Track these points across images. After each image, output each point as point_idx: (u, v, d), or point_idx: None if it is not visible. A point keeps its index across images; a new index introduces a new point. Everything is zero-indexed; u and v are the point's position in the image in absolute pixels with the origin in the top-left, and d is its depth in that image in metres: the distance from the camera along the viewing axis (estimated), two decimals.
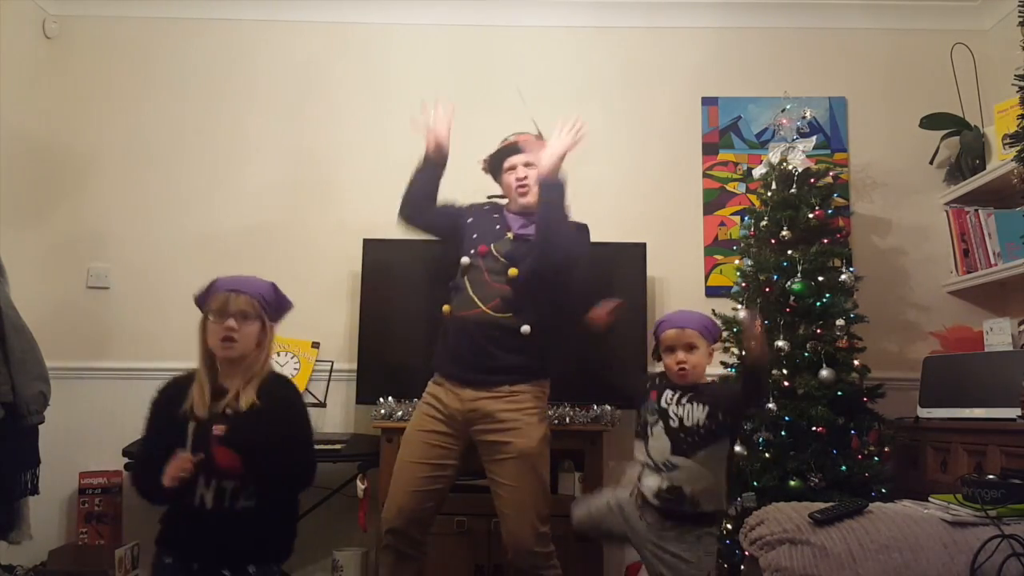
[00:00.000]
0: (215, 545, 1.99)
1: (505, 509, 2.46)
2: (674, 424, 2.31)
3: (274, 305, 2.15)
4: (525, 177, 2.64)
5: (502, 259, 2.56)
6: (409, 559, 2.51)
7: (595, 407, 3.08)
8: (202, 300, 2.15)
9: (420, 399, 2.61)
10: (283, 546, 2.13)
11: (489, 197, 2.85)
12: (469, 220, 2.69)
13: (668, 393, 2.36)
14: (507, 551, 2.48)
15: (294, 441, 2.08)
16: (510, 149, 2.70)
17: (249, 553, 2.02)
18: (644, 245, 3.42)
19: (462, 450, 2.54)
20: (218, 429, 1.99)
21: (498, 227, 2.66)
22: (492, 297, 2.51)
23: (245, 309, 2.05)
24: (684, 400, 2.33)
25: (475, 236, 2.64)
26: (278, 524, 2.08)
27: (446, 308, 2.59)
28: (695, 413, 2.30)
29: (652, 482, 2.31)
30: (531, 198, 2.61)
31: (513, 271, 2.52)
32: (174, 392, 2.14)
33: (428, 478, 2.48)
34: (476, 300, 2.52)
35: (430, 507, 2.51)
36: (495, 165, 2.75)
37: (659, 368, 2.47)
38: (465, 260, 2.60)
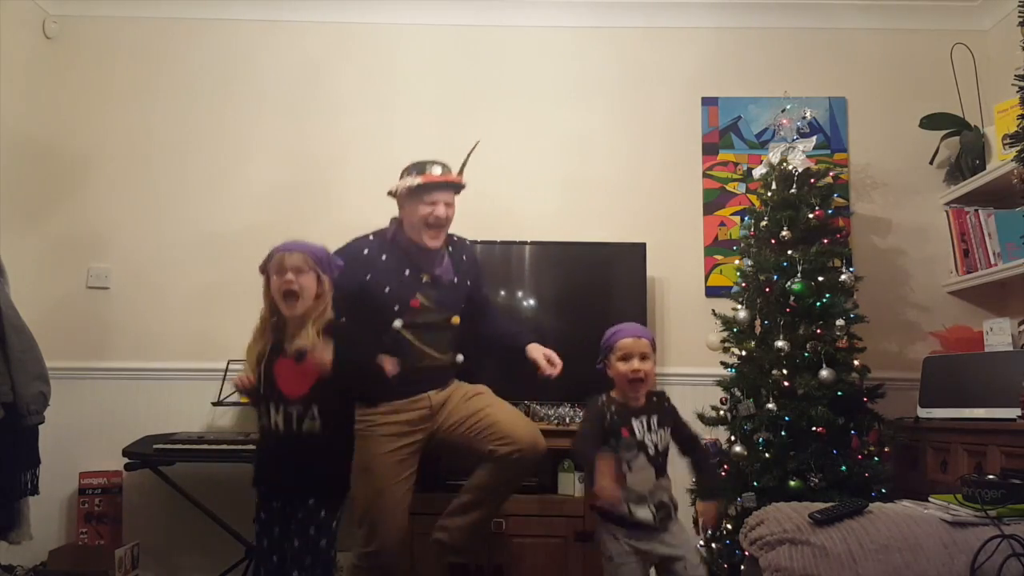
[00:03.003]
0: (286, 470, 2.21)
1: (500, 416, 2.59)
2: (652, 452, 2.39)
3: (326, 261, 2.33)
4: (444, 217, 2.59)
5: (435, 308, 2.61)
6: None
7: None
8: (264, 268, 2.36)
9: (360, 429, 2.49)
10: (343, 475, 2.31)
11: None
12: (368, 277, 2.54)
13: (637, 424, 2.40)
14: (515, 451, 2.54)
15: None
16: (435, 185, 2.58)
17: (314, 480, 2.20)
18: (644, 245, 3.42)
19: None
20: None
21: (408, 271, 2.58)
22: (440, 345, 2.63)
23: (299, 264, 2.25)
24: (655, 426, 2.41)
25: (388, 290, 2.55)
26: (338, 449, 2.28)
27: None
28: (665, 437, 2.42)
29: (643, 513, 2.35)
30: (439, 242, 2.61)
31: (456, 320, 2.66)
32: None
33: (407, 491, 2.58)
34: (427, 350, 2.60)
35: None
36: (412, 192, 2.58)
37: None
38: (398, 323, 2.54)
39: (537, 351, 2.70)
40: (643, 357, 2.43)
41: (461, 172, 2.70)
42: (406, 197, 2.61)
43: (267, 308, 2.34)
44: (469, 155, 2.73)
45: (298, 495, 2.20)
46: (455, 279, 2.68)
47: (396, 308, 2.55)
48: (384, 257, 2.59)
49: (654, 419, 2.42)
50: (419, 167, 2.62)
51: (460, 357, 2.69)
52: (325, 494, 2.22)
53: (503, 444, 2.54)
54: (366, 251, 2.60)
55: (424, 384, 2.62)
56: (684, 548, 2.38)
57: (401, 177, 2.66)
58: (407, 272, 2.60)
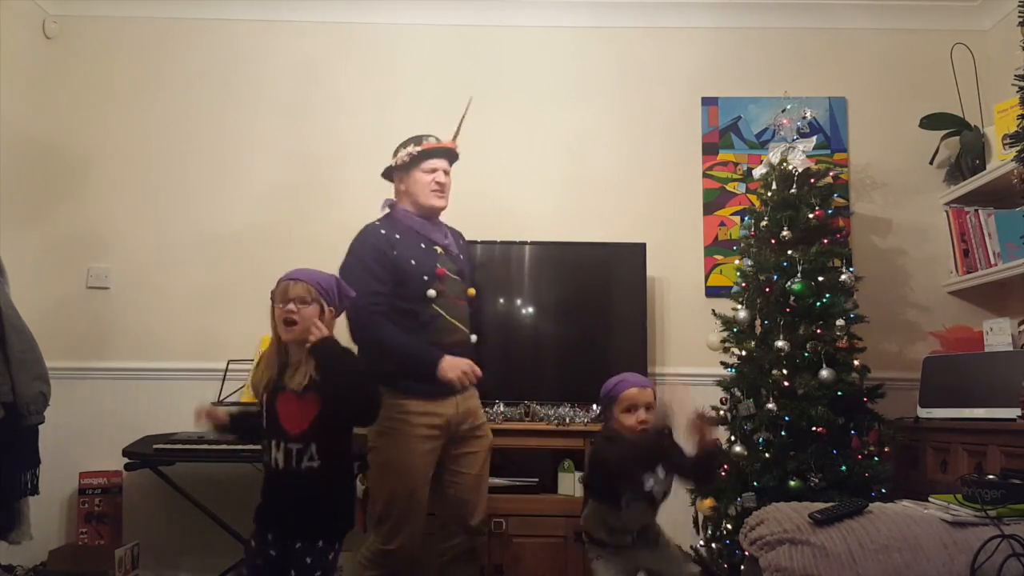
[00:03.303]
0: (287, 508, 2.19)
1: (469, 492, 2.63)
2: (656, 499, 2.39)
3: (333, 293, 2.32)
4: (444, 183, 2.69)
5: (457, 278, 2.68)
6: None
7: (595, 407, 3.08)
8: (273, 295, 2.35)
9: (395, 426, 2.52)
10: (346, 514, 2.28)
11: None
12: (395, 253, 2.58)
13: (650, 475, 2.34)
14: (463, 529, 2.60)
15: (346, 381, 2.25)
16: (435, 151, 2.70)
17: (315, 519, 2.18)
18: (644, 245, 3.42)
19: None
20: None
21: (423, 244, 2.65)
22: (463, 316, 2.67)
23: (302, 294, 2.25)
24: (661, 475, 2.35)
25: (414, 263, 2.59)
26: (339, 488, 2.26)
27: None
28: (669, 482, 2.39)
29: (620, 539, 2.39)
30: (445, 201, 2.71)
31: (472, 291, 2.74)
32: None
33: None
34: (456, 323, 2.63)
35: None
36: (412, 161, 2.69)
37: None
38: (432, 292, 2.57)
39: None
40: (648, 408, 2.39)
41: (455, 137, 2.78)
42: (405, 168, 2.70)
43: (274, 335, 2.32)
44: (463, 117, 2.79)
45: (298, 533, 2.17)
46: (459, 254, 2.75)
47: (425, 278, 2.58)
48: (398, 235, 2.62)
49: (660, 469, 2.35)
50: (416, 139, 2.73)
51: (474, 337, 2.71)
52: (326, 533, 2.18)
53: (469, 524, 2.61)
54: (383, 231, 2.63)
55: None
56: (670, 564, 2.42)
57: (395, 154, 2.73)
58: (422, 245, 2.65)
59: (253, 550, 2.22)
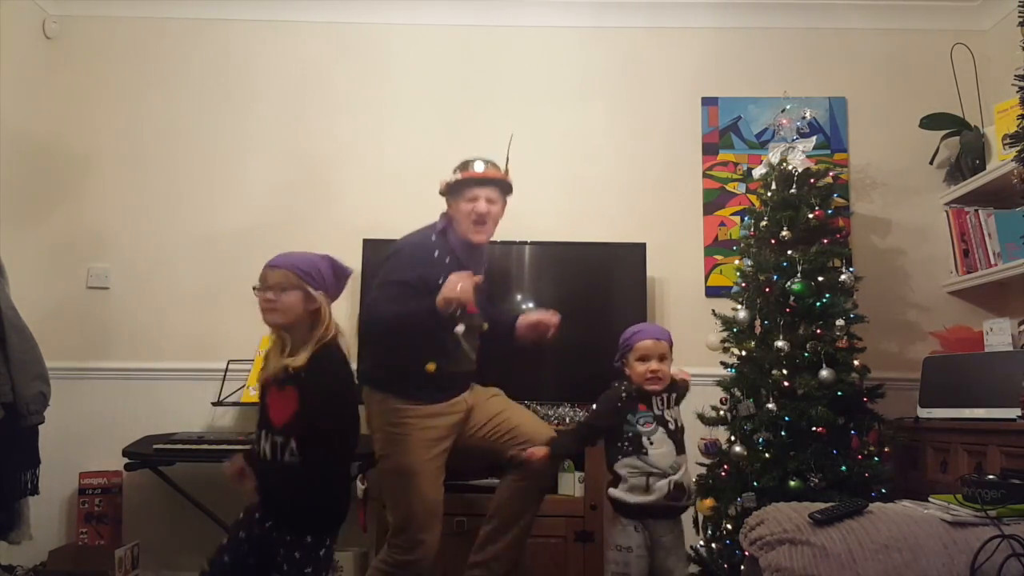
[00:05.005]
0: (269, 497, 2.19)
1: (519, 419, 2.65)
2: (672, 427, 2.47)
3: (319, 274, 2.22)
4: (486, 213, 2.58)
5: (481, 312, 2.65)
6: None
7: (595, 407, 3.08)
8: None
9: (400, 431, 2.50)
10: (335, 509, 2.21)
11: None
12: (441, 283, 2.47)
13: (657, 400, 2.48)
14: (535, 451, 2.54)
15: (323, 411, 2.19)
16: (475, 181, 2.60)
17: (301, 513, 2.13)
18: (644, 245, 3.42)
19: None
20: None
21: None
22: (474, 346, 2.66)
23: (280, 281, 2.18)
24: (672, 403, 2.51)
25: None
26: (326, 486, 2.19)
27: (431, 367, 2.50)
28: (677, 414, 2.51)
29: (662, 485, 2.40)
30: (484, 236, 2.62)
31: (486, 326, 2.69)
32: None
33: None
34: (470, 355, 2.64)
35: None
36: (454, 187, 2.62)
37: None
38: (460, 328, 2.53)
39: (532, 313, 2.71)
40: (661, 359, 2.48)
41: (507, 170, 2.68)
42: (451, 194, 2.63)
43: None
44: (508, 150, 2.69)
45: (287, 523, 2.14)
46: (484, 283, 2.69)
47: (459, 313, 2.51)
48: (448, 260, 2.56)
49: (672, 396, 2.51)
50: (463, 165, 2.63)
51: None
52: (313, 528, 2.14)
53: (526, 449, 2.55)
54: (436, 253, 2.56)
55: (460, 388, 2.61)
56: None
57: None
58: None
59: (237, 536, 2.19)
